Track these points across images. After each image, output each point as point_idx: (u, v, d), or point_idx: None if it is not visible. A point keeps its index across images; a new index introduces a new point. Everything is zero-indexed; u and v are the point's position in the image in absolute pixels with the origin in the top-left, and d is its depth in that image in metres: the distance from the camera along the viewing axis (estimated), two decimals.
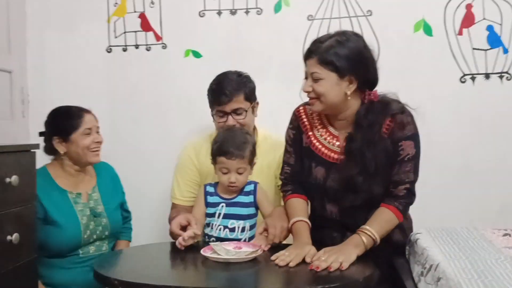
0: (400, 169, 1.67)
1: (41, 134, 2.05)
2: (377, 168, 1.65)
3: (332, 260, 1.50)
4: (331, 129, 1.77)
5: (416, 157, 1.70)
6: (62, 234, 1.91)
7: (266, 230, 1.75)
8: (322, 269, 1.48)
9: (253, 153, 1.81)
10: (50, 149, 2.01)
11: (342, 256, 1.52)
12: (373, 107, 1.69)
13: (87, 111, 2.02)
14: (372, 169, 1.65)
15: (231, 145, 1.76)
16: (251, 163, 1.81)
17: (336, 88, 1.64)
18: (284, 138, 1.88)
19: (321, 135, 1.77)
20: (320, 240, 1.74)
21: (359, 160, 1.66)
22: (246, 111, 2.00)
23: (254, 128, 2.13)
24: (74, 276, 1.93)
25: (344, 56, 1.62)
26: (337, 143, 1.75)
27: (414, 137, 1.69)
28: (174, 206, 2.10)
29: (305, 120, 1.82)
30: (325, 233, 1.78)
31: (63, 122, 1.98)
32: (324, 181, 1.74)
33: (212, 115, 2.06)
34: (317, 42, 1.67)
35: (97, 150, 2.01)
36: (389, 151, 1.67)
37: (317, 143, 1.77)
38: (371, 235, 1.60)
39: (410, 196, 1.69)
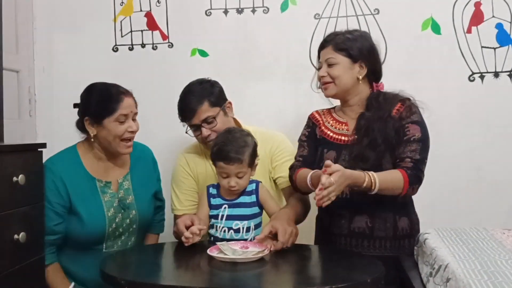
0: (406, 147, 1.74)
1: (75, 105, 1.90)
2: (385, 143, 1.74)
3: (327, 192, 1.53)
4: (339, 118, 1.91)
5: (422, 141, 1.75)
6: (84, 227, 1.79)
7: (271, 232, 1.73)
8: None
9: (253, 156, 1.78)
10: (81, 127, 1.87)
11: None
12: (383, 94, 1.85)
13: (127, 94, 1.83)
14: (380, 142, 1.73)
15: (230, 149, 1.72)
16: (251, 165, 1.78)
17: (349, 72, 1.82)
18: (275, 132, 2.08)
19: (331, 125, 1.91)
20: (328, 226, 1.83)
21: (369, 134, 1.75)
22: (215, 117, 1.95)
23: (238, 125, 2.09)
24: (95, 272, 1.69)
25: (356, 45, 1.83)
26: (346, 127, 1.87)
27: (421, 124, 1.79)
28: (176, 218, 2.03)
29: (317, 116, 1.97)
30: (333, 220, 1.82)
31: (98, 103, 1.81)
32: (335, 163, 1.76)
33: (187, 132, 2.04)
34: (332, 35, 1.89)
35: (129, 140, 1.84)
36: (398, 131, 1.76)
37: (328, 131, 1.90)
38: (372, 176, 1.64)
39: (417, 169, 1.71)
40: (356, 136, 1.80)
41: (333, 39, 1.84)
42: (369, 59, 1.84)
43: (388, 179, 1.68)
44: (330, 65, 1.82)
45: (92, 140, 1.84)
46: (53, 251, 1.82)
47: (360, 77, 1.82)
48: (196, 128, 1.98)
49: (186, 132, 2.04)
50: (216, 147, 1.77)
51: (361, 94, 1.86)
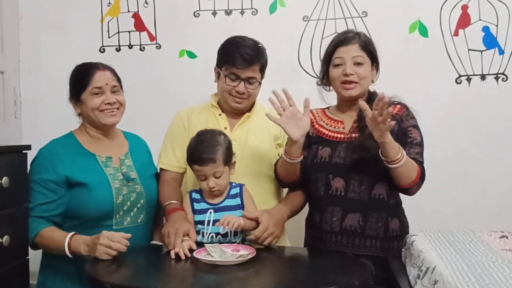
0: (411, 149, 1.76)
1: None
2: None
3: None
4: (335, 117, 1.91)
5: (422, 146, 1.79)
6: (92, 196, 1.74)
7: (256, 218, 1.72)
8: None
9: (227, 154, 1.75)
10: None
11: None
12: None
13: (102, 68, 1.83)
14: None
15: (202, 151, 1.71)
16: (228, 163, 1.76)
17: (370, 74, 1.83)
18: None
19: (326, 124, 1.91)
20: (319, 224, 1.82)
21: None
22: (260, 82, 1.94)
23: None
24: None
25: (374, 47, 1.83)
26: (342, 125, 1.87)
27: (419, 129, 1.82)
28: (162, 173, 2.01)
29: (311, 116, 1.90)
30: (324, 217, 1.81)
31: (74, 80, 1.85)
32: (329, 159, 1.81)
33: (219, 75, 1.95)
34: (351, 33, 1.84)
35: (111, 111, 1.81)
36: (400, 132, 1.77)
37: (323, 129, 1.89)
38: (400, 148, 1.65)
39: (423, 171, 1.75)
40: (353, 135, 1.81)
41: (357, 37, 1.80)
42: (378, 61, 1.85)
43: (410, 162, 1.69)
44: (357, 64, 1.78)
45: (80, 118, 1.86)
46: (45, 222, 1.73)
47: (375, 80, 1.84)
48: (236, 79, 1.91)
49: (218, 75, 1.95)
50: (189, 151, 1.76)
51: (366, 95, 1.85)
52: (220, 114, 2.01)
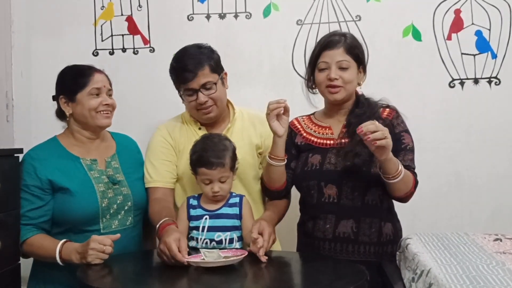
0: (405, 156, 1.77)
1: (54, 97, 1.90)
2: None
3: (381, 130, 1.54)
4: (322, 123, 1.90)
5: (414, 150, 1.80)
6: (76, 202, 1.73)
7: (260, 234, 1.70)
8: (370, 131, 1.53)
9: (233, 159, 1.76)
10: (60, 112, 1.86)
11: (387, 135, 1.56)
12: (369, 98, 1.85)
13: (98, 71, 1.86)
14: None
15: (211, 154, 1.70)
16: (233, 169, 1.76)
17: (356, 77, 1.80)
18: (262, 113, 1.85)
19: (314, 131, 1.89)
20: (312, 231, 1.81)
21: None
22: (216, 83, 1.87)
23: (229, 102, 2.03)
24: None
25: (360, 49, 1.82)
26: (330, 131, 1.86)
27: (409, 133, 1.82)
28: (152, 193, 1.91)
29: (296, 124, 1.94)
30: (317, 224, 1.80)
31: (69, 80, 1.83)
32: (320, 166, 1.80)
33: (181, 96, 1.92)
34: (337, 35, 1.81)
35: (106, 113, 1.82)
36: (391, 132, 1.71)
37: (311, 137, 1.87)
38: (398, 162, 1.64)
39: (417, 179, 1.76)
40: (343, 140, 1.80)
41: (342, 41, 1.78)
42: (365, 63, 1.84)
43: (406, 174, 1.68)
44: (342, 69, 1.76)
45: (68, 119, 1.84)
46: (35, 229, 1.72)
47: (362, 83, 1.82)
48: (192, 93, 1.87)
49: (181, 96, 1.92)
50: (196, 154, 1.74)
51: (353, 98, 1.85)
52: (200, 128, 1.98)
